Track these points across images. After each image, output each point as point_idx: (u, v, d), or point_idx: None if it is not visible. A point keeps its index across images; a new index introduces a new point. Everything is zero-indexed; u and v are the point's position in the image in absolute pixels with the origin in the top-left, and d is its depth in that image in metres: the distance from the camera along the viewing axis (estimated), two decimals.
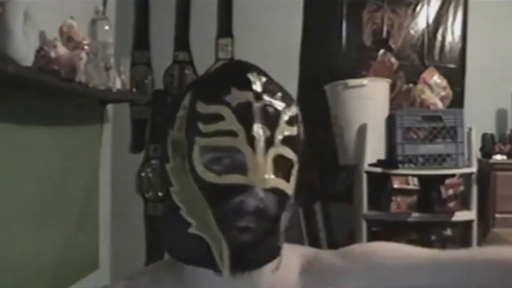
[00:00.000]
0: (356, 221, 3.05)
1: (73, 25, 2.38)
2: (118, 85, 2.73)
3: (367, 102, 3.02)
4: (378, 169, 2.91)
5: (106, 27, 2.61)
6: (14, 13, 1.79)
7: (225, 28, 3.45)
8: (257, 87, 0.75)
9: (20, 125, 2.17)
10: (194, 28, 3.46)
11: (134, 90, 3.01)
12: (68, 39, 2.33)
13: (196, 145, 0.73)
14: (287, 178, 0.75)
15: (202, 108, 0.74)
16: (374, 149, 2.95)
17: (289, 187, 0.75)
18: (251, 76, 0.76)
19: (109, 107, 3.24)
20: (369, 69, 3.31)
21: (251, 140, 0.71)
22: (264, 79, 0.76)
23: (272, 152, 0.72)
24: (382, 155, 3.00)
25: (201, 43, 3.45)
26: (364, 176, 2.92)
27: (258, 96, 0.74)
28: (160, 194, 3.49)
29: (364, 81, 3.08)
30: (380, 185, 2.91)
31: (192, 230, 0.74)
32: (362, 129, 2.97)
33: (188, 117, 0.75)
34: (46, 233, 2.40)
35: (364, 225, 2.93)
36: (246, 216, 0.70)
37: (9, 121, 2.09)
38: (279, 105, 0.75)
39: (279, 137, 0.73)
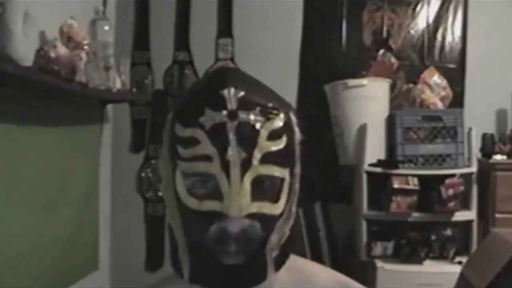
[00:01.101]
0: (356, 221, 3.05)
1: (73, 25, 2.38)
2: (118, 85, 2.73)
3: (367, 102, 3.02)
4: (378, 169, 2.91)
5: (106, 27, 2.61)
6: (14, 13, 1.79)
7: (225, 28, 3.44)
8: (232, 104, 0.71)
9: (20, 125, 2.17)
10: (194, 28, 3.46)
11: (134, 90, 3.01)
12: (68, 39, 2.33)
13: (178, 170, 0.73)
14: (274, 198, 0.72)
15: (180, 131, 0.73)
16: (374, 149, 2.95)
17: (276, 208, 0.72)
18: (226, 93, 0.71)
19: (109, 107, 3.24)
20: (369, 69, 3.31)
21: (225, 165, 0.69)
22: (241, 93, 0.72)
23: (251, 174, 0.69)
24: (382, 155, 3.00)
25: (201, 43, 3.45)
26: (364, 176, 2.92)
27: (232, 115, 0.70)
28: (160, 194, 3.49)
29: (364, 81, 3.08)
30: (380, 185, 2.91)
31: (180, 250, 0.75)
32: (362, 129, 2.97)
33: (170, 139, 0.75)
34: (46, 233, 2.40)
35: (364, 225, 2.93)
36: (229, 241, 0.69)
37: (9, 121, 2.09)
38: (257, 120, 0.71)
39: (257, 156, 0.70)
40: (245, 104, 0.71)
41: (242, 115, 0.70)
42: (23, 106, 2.19)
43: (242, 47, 3.38)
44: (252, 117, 0.70)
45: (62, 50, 2.15)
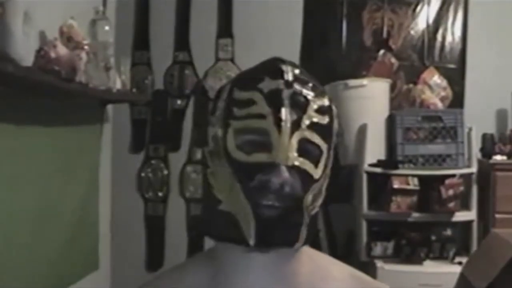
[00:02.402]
0: (356, 221, 3.05)
1: (73, 25, 2.38)
2: (118, 85, 2.73)
3: (367, 102, 3.03)
4: (378, 169, 2.91)
5: (106, 27, 2.61)
6: (14, 13, 1.79)
7: (225, 28, 3.45)
8: (289, 76, 0.79)
9: (20, 125, 2.17)
10: (194, 28, 3.46)
11: (134, 90, 3.01)
12: (68, 39, 2.33)
13: (230, 128, 0.79)
14: (315, 163, 0.79)
15: (238, 94, 0.80)
16: (374, 149, 2.96)
17: (315, 171, 0.79)
18: (284, 67, 0.80)
19: (109, 107, 3.24)
20: (369, 69, 3.31)
21: (278, 122, 0.76)
22: (297, 71, 0.81)
23: (298, 134, 0.77)
24: (382, 155, 3.00)
25: (201, 43, 3.45)
26: (364, 176, 2.92)
27: (288, 84, 0.79)
28: (160, 194, 3.50)
29: (364, 81, 3.09)
30: (380, 185, 2.91)
31: (222, 207, 0.79)
32: (362, 129, 2.97)
33: (226, 104, 0.81)
34: (46, 233, 2.40)
35: (364, 225, 2.93)
36: (270, 195, 0.74)
37: (9, 121, 2.09)
38: (309, 94, 0.80)
39: (306, 122, 0.78)
40: (299, 79, 0.80)
41: (296, 86, 0.79)
42: (23, 106, 2.19)
43: (242, 47, 3.38)
44: (304, 90, 0.80)
45: (62, 50, 2.15)
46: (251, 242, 0.75)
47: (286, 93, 0.78)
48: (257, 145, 0.77)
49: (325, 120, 0.80)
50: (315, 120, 0.79)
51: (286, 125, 0.76)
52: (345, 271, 0.90)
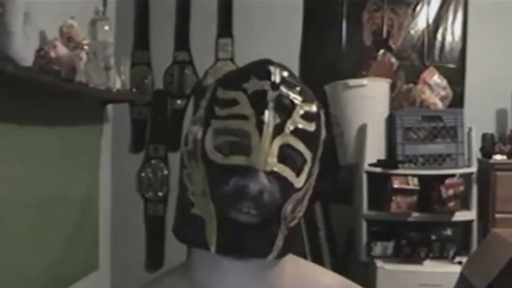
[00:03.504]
0: (356, 221, 3.05)
1: (73, 25, 2.38)
2: (118, 85, 2.73)
3: (367, 102, 3.02)
4: (378, 169, 2.91)
5: (106, 27, 2.61)
6: (14, 13, 1.79)
7: (225, 28, 3.45)
8: (276, 78, 0.76)
9: (20, 125, 2.17)
10: (194, 28, 3.46)
11: (134, 90, 3.01)
12: (68, 39, 2.33)
13: (210, 128, 0.75)
14: (296, 171, 0.75)
15: (222, 94, 0.76)
16: (374, 149, 2.95)
17: (297, 180, 0.75)
18: (272, 68, 0.77)
19: (109, 107, 3.24)
20: (369, 69, 3.31)
21: (260, 124, 0.72)
22: (285, 73, 0.78)
23: (280, 139, 0.73)
24: (382, 155, 3.00)
25: (201, 43, 3.45)
26: (364, 176, 2.92)
27: (275, 86, 0.75)
28: (160, 194, 3.50)
29: (364, 81, 3.08)
30: (380, 185, 2.91)
31: (193, 210, 0.75)
32: (362, 129, 2.97)
33: (208, 102, 0.78)
34: (46, 233, 2.40)
35: (364, 225, 2.93)
36: (247, 201, 0.70)
37: (9, 121, 2.09)
38: (296, 98, 0.76)
39: (290, 127, 0.74)
40: (287, 82, 0.76)
41: (283, 88, 0.75)
42: (23, 106, 2.19)
43: (242, 47, 3.38)
44: (292, 93, 0.76)
45: (62, 50, 2.16)
46: (212, 248, 0.72)
47: (271, 95, 0.74)
48: (236, 147, 0.73)
49: (311, 127, 0.76)
50: (300, 126, 0.75)
51: (268, 128, 0.72)
52: (334, 280, 0.87)
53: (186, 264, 0.83)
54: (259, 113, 0.73)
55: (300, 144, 0.75)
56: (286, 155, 0.73)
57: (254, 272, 0.76)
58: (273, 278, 0.79)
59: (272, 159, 0.72)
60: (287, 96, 0.75)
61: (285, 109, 0.74)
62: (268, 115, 0.73)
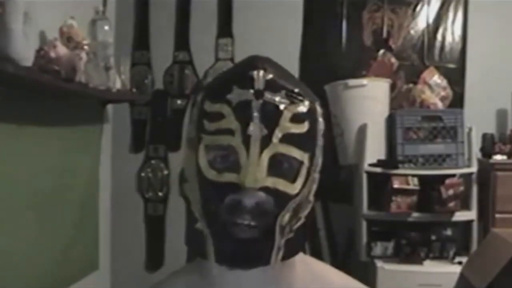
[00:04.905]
0: (356, 221, 3.05)
1: (73, 25, 2.38)
2: (118, 85, 2.73)
3: (367, 102, 3.02)
4: (378, 169, 2.91)
5: (106, 27, 2.61)
6: (14, 13, 1.79)
7: (225, 28, 3.45)
8: (259, 85, 0.74)
9: (20, 125, 2.17)
10: (194, 28, 3.46)
11: (134, 90, 3.01)
12: (68, 39, 2.33)
13: (202, 143, 0.76)
14: (291, 178, 0.74)
15: (208, 106, 0.76)
16: (374, 149, 2.95)
17: (292, 187, 0.74)
18: (255, 74, 0.75)
19: (109, 107, 3.24)
20: (369, 69, 3.31)
21: (246, 139, 0.72)
22: (270, 76, 0.75)
23: (269, 151, 0.72)
24: (382, 155, 2.99)
25: (201, 43, 3.45)
26: (364, 176, 2.92)
27: (258, 94, 0.74)
28: (160, 194, 3.50)
29: (364, 81, 3.08)
30: (380, 185, 2.91)
31: (197, 225, 0.77)
32: (362, 129, 2.97)
33: (198, 115, 0.78)
34: (46, 233, 2.40)
35: (364, 225, 2.93)
36: (244, 214, 0.71)
37: (9, 121, 2.09)
38: (282, 102, 0.74)
39: (278, 135, 0.73)
40: (272, 86, 0.74)
41: (267, 95, 0.74)
42: (23, 106, 2.19)
43: (242, 47, 3.38)
44: (277, 98, 0.74)
45: (62, 50, 2.16)
46: (216, 263, 0.74)
47: (255, 105, 0.73)
48: (227, 162, 0.73)
49: (303, 128, 0.75)
50: (290, 131, 0.73)
51: (255, 142, 0.72)
52: (346, 279, 0.88)
53: (193, 266, 0.85)
54: (244, 126, 0.72)
55: (292, 149, 0.74)
56: (278, 165, 0.73)
57: (264, 275, 0.77)
58: (284, 278, 0.80)
59: (261, 175, 0.71)
60: (273, 103, 0.73)
61: (271, 118, 0.73)
62: (253, 128, 0.72)
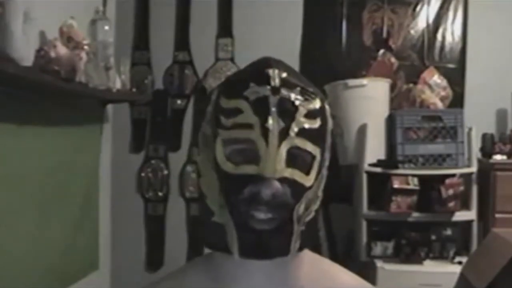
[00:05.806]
0: (356, 221, 3.05)
1: (73, 25, 2.38)
2: (118, 85, 2.73)
3: (367, 102, 3.03)
4: (378, 169, 2.91)
5: (106, 27, 2.61)
6: (14, 13, 1.79)
7: (225, 28, 3.45)
8: (276, 82, 0.78)
9: (20, 125, 2.17)
10: (194, 28, 3.46)
11: (134, 90, 3.01)
12: (68, 39, 2.33)
13: (219, 138, 0.78)
14: (306, 171, 0.77)
15: (224, 103, 0.79)
16: (374, 149, 2.95)
17: (307, 179, 0.77)
18: (271, 72, 0.79)
19: (109, 107, 3.24)
20: (369, 69, 3.31)
21: (265, 132, 0.75)
22: (284, 74, 0.79)
23: (287, 143, 0.75)
24: (382, 155, 3.00)
25: (201, 43, 3.45)
26: (364, 176, 2.92)
27: (275, 91, 0.77)
28: (160, 194, 3.50)
29: (364, 81, 3.09)
30: (380, 185, 2.91)
31: (215, 218, 0.79)
32: (362, 129, 2.97)
33: (214, 111, 0.80)
34: (46, 233, 2.40)
35: (364, 225, 2.93)
36: (261, 206, 0.74)
37: (9, 121, 2.09)
38: (297, 98, 0.78)
39: (294, 129, 0.76)
40: (287, 83, 0.78)
41: (284, 92, 0.77)
42: (23, 106, 2.19)
43: (242, 47, 3.38)
44: (292, 95, 0.78)
45: (62, 50, 2.16)
46: (236, 255, 0.75)
47: (273, 100, 0.76)
48: (245, 155, 0.76)
49: (316, 123, 0.79)
50: (305, 126, 0.77)
51: (274, 135, 0.75)
52: (353, 278, 0.89)
53: (206, 259, 0.86)
54: (263, 120, 0.75)
55: (307, 143, 0.77)
56: (294, 157, 0.76)
57: (274, 270, 0.80)
58: (292, 274, 0.82)
59: (281, 166, 0.74)
60: (289, 99, 0.77)
61: (288, 113, 0.76)
62: (271, 122, 0.75)
